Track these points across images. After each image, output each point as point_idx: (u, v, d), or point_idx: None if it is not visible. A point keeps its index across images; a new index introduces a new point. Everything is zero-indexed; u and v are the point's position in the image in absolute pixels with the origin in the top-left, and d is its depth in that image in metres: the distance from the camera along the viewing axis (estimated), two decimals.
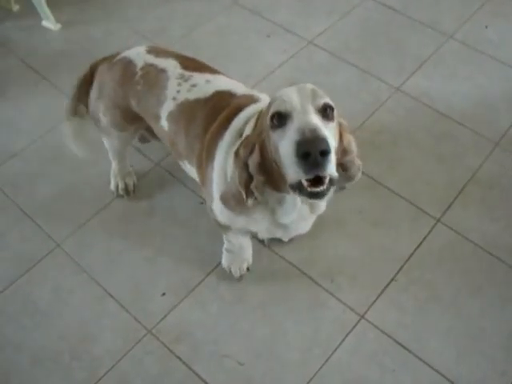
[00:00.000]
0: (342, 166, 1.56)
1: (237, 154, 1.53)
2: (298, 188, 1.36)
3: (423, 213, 2.30)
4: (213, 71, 1.94)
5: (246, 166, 1.50)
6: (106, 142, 2.22)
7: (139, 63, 1.94)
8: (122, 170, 2.35)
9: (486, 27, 3.05)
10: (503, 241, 2.22)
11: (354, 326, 2.02)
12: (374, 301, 2.07)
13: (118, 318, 2.06)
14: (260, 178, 1.49)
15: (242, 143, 1.54)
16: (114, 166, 2.34)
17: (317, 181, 1.33)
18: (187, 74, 1.88)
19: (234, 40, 3.02)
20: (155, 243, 2.23)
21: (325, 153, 1.26)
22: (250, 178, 1.50)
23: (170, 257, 2.20)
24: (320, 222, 2.16)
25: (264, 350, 1.98)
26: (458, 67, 2.86)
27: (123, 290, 2.12)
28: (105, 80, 2.01)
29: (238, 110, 1.70)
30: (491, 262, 2.17)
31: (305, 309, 2.06)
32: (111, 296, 2.11)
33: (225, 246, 2.09)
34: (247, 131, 1.60)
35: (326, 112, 1.38)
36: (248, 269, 2.15)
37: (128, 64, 1.96)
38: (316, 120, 1.32)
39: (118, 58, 2.02)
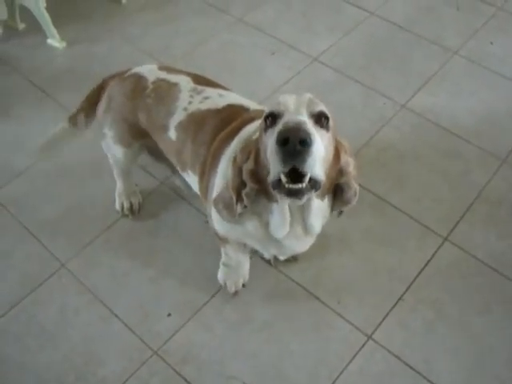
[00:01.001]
0: (338, 188, 1.56)
1: (234, 159, 1.55)
2: (277, 186, 1.34)
3: (430, 231, 2.28)
4: (225, 88, 1.97)
5: (240, 171, 1.51)
6: (111, 160, 2.22)
7: (151, 78, 1.97)
8: (127, 189, 2.34)
9: (491, 43, 3.05)
10: (511, 258, 2.20)
11: (362, 347, 2.00)
12: (382, 321, 2.05)
13: (123, 338, 2.04)
14: (252, 185, 1.49)
15: (240, 149, 1.56)
16: (119, 185, 2.34)
17: (296, 179, 1.31)
18: (200, 87, 1.91)
19: (239, 57, 3.03)
20: (161, 263, 2.22)
21: (304, 142, 1.25)
22: (243, 184, 1.51)
23: (175, 277, 2.18)
24: (326, 242, 2.16)
25: (270, 371, 1.96)
26: (464, 83, 2.86)
27: (129, 311, 2.10)
28: (114, 94, 2.02)
29: (250, 120, 1.72)
30: (499, 280, 2.15)
31: (311, 329, 2.04)
32: (117, 316, 2.09)
33: (222, 259, 2.07)
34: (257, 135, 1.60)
35: (320, 120, 1.38)
36: (244, 285, 2.13)
37: (139, 79, 1.98)
38: (305, 119, 1.32)
39: (129, 73, 2.04)
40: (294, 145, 1.25)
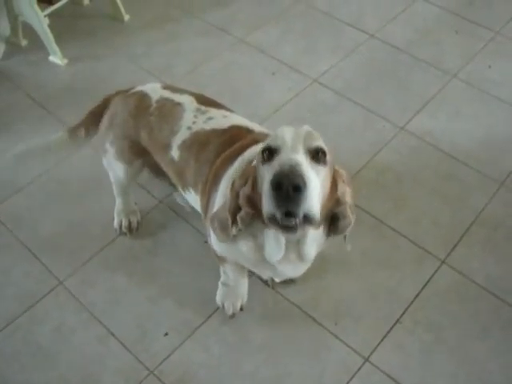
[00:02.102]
0: (334, 216, 1.57)
1: (233, 183, 1.56)
2: (272, 220, 1.35)
3: (428, 254, 2.28)
4: (228, 110, 1.98)
5: (237, 195, 1.52)
6: (112, 177, 2.22)
7: (155, 97, 1.98)
8: (126, 207, 2.35)
9: (490, 67, 3.07)
10: (509, 282, 2.20)
11: (359, 369, 1.99)
12: (379, 343, 2.05)
13: (120, 358, 2.03)
14: (247, 210, 1.50)
15: (239, 174, 1.57)
16: (118, 203, 2.35)
17: (290, 215, 1.32)
18: (204, 108, 1.92)
19: (240, 77, 3.04)
20: (158, 282, 2.22)
21: (298, 188, 1.26)
22: (240, 208, 1.52)
23: (173, 296, 2.18)
24: (324, 263, 2.16)
25: None
26: (462, 106, 2.87)
27: (126, 330, 2.10)
28: (117, 110, 2.04)
29: (254, 142, 1.72)
30: (497, 305, 2.15)
31: (309, 351, 2.04)
32: (113, 335, 2.08)
33: (221, 279, 2.07)
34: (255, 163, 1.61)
35: (317, 155, 1.39)
36: (242, 308, 2.12)
37: (143, 97, 2.00)
38: (301, 158, 1.34)
39: (133, 91, 2.06)
40: (287, 190, 1.26)
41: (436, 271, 2.23)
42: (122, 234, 2.37)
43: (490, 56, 3.14)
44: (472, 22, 3.33)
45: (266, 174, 1.35)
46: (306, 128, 1.43)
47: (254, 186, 1.47)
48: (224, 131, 1.84)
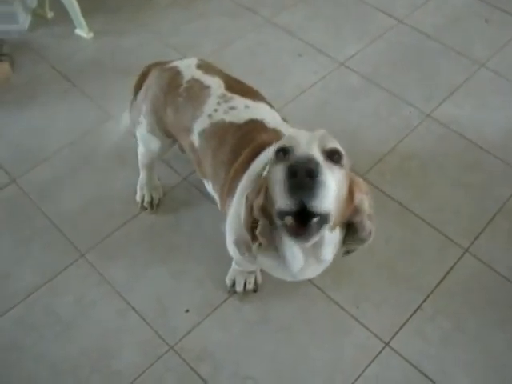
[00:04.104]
0: (352, 227, 1.53)
1: (246, 198, 1.51)
2: (283, 223, 1.30)
3: (451, 242, 2.27)
4: (256, 97, 1.92)
5: (251, 209, 1.46)
6: (141, 149, 2.22)
7: (187, 76, 1.95)
8: (149, 182, 2.34)
9: None
10: None
11: (378, 354, 1.99)
12: (399, 329, 2.04)
13: (140, 332, 2.04)
14: (264, 221, 1.45)
15: (252, 189, 1.52)
16: (142, 176, 2.34)
17: (303, 222, 1.27)
18: (229, 95, 1.87)
19: (265, 58, 3.02)
20: (180, 259, 2.22)
21: (313, 174, 1.20)
22: (256, 222, 1.48)
23: (194, 273, 2.18)
24: None
25: (286, 374, 1.95)
26: (489, 96, 2.84)
27: (146, 305, 2.11)
28: (151, 84, 2.02)
29: (261, 148, 1.69)
30: None
31: (329, 333, 2.04)
32: (134, 310, 2.09)
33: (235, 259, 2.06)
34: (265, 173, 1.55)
35: (332, 156, 1.32)
36: (255, 290, 2.13)
37: (176, 74, 1.97)
38: (316, 153, 1.28)
39: (169, 66, 2.03)
40: (302, 177, 1.20)
41: (459, 260, 2.22)
42: (142, 208, 2.37)
43: None
44: (502, 10, 3.28)
45: (279, 172, 1.28)
46: (322, 131, 1.38)
47: (267, 193, 1.40)
48: (239, 127, 1.79)
